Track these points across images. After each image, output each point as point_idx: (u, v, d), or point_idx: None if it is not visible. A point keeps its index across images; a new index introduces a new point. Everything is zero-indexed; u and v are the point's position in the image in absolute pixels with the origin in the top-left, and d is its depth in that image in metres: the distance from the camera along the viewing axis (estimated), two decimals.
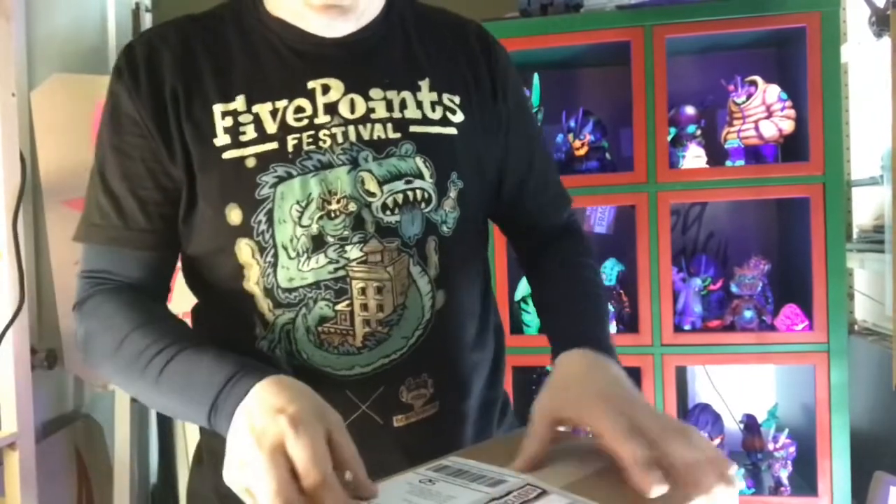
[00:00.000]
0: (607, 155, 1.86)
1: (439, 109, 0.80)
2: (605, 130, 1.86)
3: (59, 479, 1.76)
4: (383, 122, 0.77)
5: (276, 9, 0.79)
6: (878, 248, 1.74)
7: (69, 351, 1.62)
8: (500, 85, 0.85)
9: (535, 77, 1.84)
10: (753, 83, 1.74)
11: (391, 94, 0.78)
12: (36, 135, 1.63)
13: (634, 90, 1.70)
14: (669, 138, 1.74)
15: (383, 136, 0.76)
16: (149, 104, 0.75)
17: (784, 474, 1.70)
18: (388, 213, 0.75)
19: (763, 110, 1.73)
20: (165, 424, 2.10)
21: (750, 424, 1.79)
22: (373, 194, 0.75)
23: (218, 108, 0.75)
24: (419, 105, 0.79)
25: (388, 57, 0.80)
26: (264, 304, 0.76)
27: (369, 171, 0.75)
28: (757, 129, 1.73)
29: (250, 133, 0.74)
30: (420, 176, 0.77)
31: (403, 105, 0.78)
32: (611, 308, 1.79)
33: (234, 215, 0.74)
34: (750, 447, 1.78)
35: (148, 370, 0.68)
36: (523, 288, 1.81)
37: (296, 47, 0.78)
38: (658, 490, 0.56)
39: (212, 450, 0.83)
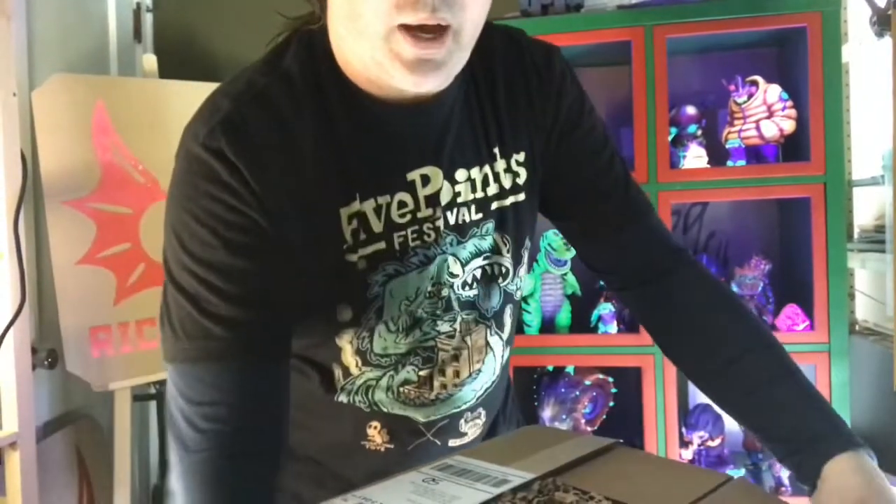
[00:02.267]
0: None
1: (509, 177, 0.78)
2: None
3: (60, 479, 1.76)
4: (468, 204, 0.75)
5: (353, 60, 0.68)
6: (879, 248, 1.74)
7: (70, 351, 1.62)
8: (555, 99, 0.79)
9: None
10: (754, 83, 1.74)
11: (474, 173, 0.75)
12: (37, 135, 1.62)
13: (635, 90, 1.70)
14: (670, 138, 1.74)
15: (468, 220, 0.75)
16: (272, 212, 0.66)
17: (785, 474, 1.70)
18: (467, 288, 0.77)
19: (764, 110, 1.72)
20: (166, 424, 2.10)
21: None
22: (455, 275, 0.76)
23: (344, 212, 0.69)
24: (496, 178, 0.77)
25: (468, 124, 0.75)
26: (352, 360, 0.76)
27: (455, 255, 0.75)
28: (758, 128, 1.73)
29: (360, 233, 0.70)
30: (498, 252, 0.78)
31: (486, 183, 0.76)
32: (611, 308, 1.80)
33: (345, 314, 0.72)
34: (751, 447, 1.78)
35: None
36: (524, 288, 1.81)
37: (392, 130, 0.71)
38: None
39: None
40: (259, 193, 0.65)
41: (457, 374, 0.79)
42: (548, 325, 1.83)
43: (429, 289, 0.75)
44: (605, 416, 1.81)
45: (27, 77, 1.71)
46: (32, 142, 1.64)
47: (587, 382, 1.79)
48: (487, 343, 0.80)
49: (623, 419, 1.81)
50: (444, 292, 0.76)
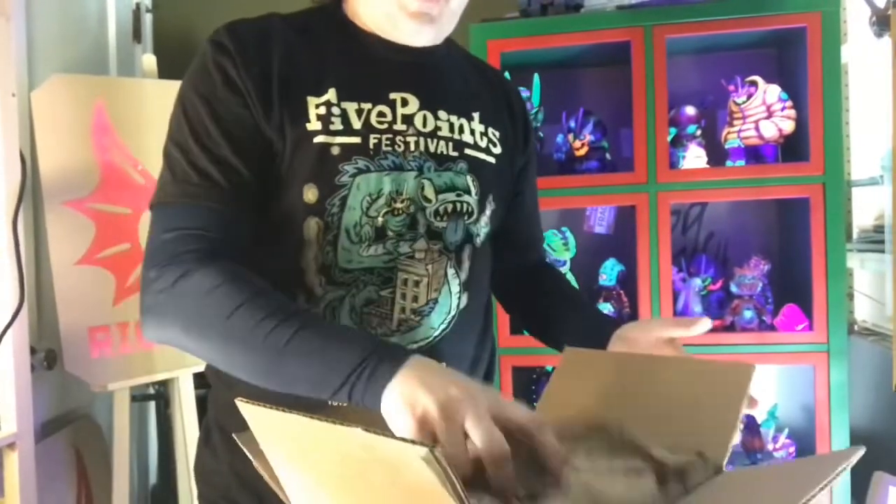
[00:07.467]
0: (607, 155, 1.86)
1: (485, 140, 0.92)
2: (605, 130, 1.86)
3: (59, 480, 1.76)
4: (446, 140, 0.88)
5: (365, 16, 0.87)
6: (878, 249, 1.74)
7: (68, 351, 1.62)
8: (524, 132, 1.01)
9: (536, 77, 1.84)
10: (754, 83, 1.74)
11: (453, 118, 0.89)
12: (36, 135, 1.62)
13: (634, 90, 1.70)
14: (669, 138, 1.74)
15: (445, 153, 0.87)
16: (258, 81, 0.80)
17: None
18: (437, 219, 0.86)
19: (763, 110, 1.72)
20: (165, 425, 2.10)
21: (749, 424, 1.79)
22: (429, 200, 0.85)
23: (312, 100, 0.82)
24: (472, 133, 0.91)
25: (452, 83, 0.93)
26: (315, 280, 0.82)
27: (430, 180, 0.85)
28: (757, 129, 1.73)
29: (338, 125, 0.82)
30: (468, 192, 0.89)
31: (461, 129, 0.90)
32: (610, 308, 1.79)
33: (311, 194, 0.81)
34: (750, 447, 1.78)
35: (271, 338, 0.67)
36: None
37: (383, 60, 0.87)
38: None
39: (223, 428, 0.89)
40: (252, 70, 0.80)
41: (415, 298, 0.85)
42: None
43: (397, 202, 0.83)
44: None
45: (26, 77, 1.71)
46: (32, 142, 1.64)
47: None
48: (445, 274, 0.87)
49: None
50: (412, 209, 0.84)
